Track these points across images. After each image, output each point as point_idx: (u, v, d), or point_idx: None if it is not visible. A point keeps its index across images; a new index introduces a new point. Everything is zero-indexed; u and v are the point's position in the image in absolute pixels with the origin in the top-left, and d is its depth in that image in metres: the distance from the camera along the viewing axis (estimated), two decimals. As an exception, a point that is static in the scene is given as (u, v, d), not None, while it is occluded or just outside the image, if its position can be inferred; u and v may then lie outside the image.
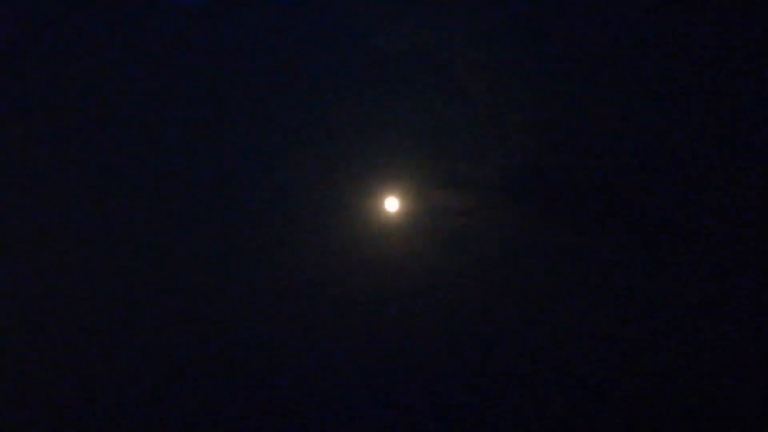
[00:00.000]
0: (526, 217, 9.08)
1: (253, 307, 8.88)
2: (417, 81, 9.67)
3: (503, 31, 9.69)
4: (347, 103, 9.67)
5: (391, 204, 8.79)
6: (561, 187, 9.23)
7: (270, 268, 8.94)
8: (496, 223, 8.97)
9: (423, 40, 9.64)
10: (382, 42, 9.51)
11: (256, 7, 9.45)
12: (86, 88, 9.25)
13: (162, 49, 9.27)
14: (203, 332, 8.80)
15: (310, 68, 9.54)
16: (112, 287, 8.81)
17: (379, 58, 9.49)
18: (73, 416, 8.42)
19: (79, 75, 9.18)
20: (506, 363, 8.67)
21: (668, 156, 9.53)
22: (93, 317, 8.83)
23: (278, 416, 8.48)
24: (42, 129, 9.06)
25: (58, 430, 8.35)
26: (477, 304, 8.84)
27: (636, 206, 9.28)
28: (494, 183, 9.08)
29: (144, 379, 8.72)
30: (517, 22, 9.69)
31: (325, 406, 8.39)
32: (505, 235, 8.96)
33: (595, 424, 8.40)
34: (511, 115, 9.59)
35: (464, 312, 8.79)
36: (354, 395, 8.37)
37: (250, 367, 8.78)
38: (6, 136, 8.88)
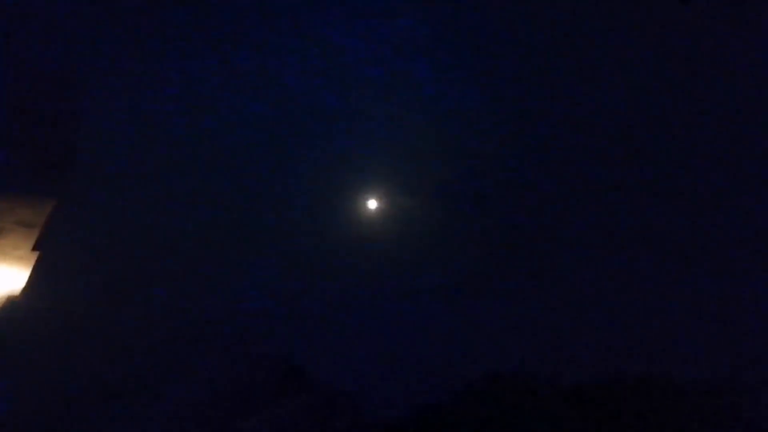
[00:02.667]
0: (465, 212, 11.52)
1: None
2: (394, 104, 11.82)
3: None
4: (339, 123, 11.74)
5: (372, 204, 11.28)
6: (490, 194, 11.68)
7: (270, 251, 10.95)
8: (448, 220, 11.46)
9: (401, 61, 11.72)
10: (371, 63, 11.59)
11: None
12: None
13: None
14: (194, 325, 9.99)
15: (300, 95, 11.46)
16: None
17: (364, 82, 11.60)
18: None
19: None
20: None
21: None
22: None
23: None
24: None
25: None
26: (431, 277, 11.07)
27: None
28: (450, 190, 11.58)
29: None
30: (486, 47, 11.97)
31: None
32: (453, 229, 11.39)
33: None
34: (458, 146, 11.96)
35: (420, 282, 11.05)
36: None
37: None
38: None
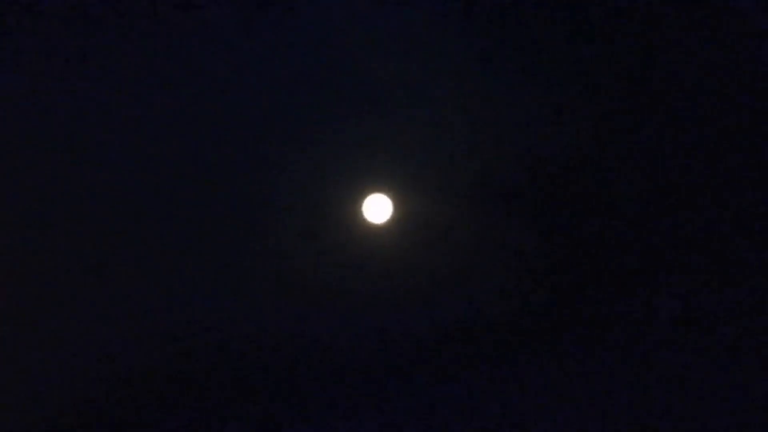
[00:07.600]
0: (504, 220, 8.75)
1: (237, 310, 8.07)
2: (404, 97, 8.72)
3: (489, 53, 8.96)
4: (340, 117, 8.62)
5: (383, 209, 8.24)
6: (533, 193, 9.00)
7: (257, 270, 8.01)
8: (478, 227, 8.59)
9: (411, 59, 8.80)
10: (374, 55, 8.63)
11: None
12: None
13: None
14: (180, 343, 7.86)
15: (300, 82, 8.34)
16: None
17: (367, 73, 8.52)
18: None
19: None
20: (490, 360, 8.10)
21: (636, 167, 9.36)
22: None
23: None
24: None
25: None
26: (460, 301, 8.39)
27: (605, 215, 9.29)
28: (476, 190, 8.65)
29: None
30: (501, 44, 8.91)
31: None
32: (485, 237, 8.60)
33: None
34: (491, 128, 9.01)
35: (447, 309, 8.30)
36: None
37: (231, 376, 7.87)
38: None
